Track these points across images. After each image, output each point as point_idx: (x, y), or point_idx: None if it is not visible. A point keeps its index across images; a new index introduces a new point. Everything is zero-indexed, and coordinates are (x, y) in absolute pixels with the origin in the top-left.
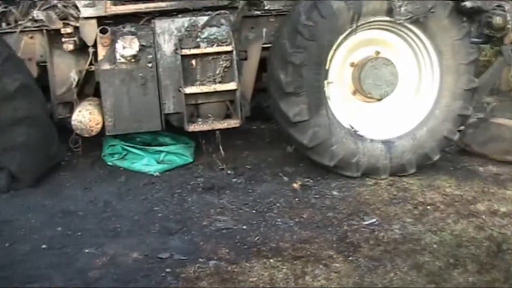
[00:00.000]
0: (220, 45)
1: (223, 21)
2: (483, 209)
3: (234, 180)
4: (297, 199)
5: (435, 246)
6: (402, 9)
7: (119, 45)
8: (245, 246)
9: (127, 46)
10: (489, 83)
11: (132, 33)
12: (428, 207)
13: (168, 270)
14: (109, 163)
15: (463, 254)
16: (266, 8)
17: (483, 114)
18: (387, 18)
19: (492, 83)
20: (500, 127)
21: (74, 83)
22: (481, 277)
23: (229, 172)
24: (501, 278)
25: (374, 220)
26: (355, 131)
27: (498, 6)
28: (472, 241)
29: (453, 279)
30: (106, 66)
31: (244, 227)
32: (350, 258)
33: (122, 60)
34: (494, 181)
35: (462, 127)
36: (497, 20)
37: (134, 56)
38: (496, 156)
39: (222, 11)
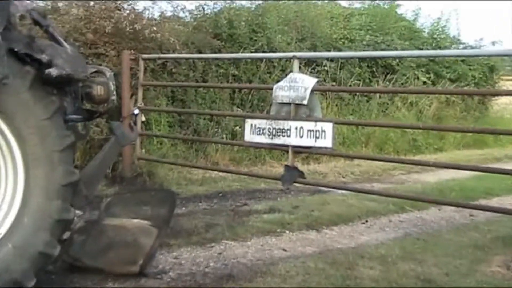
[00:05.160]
0: None
1: None
2: None
3: None
4: None
5: None
6: None
7: None
8: None
9: None
10: (101, 171)
11: None
12: None
13: None
14: None
15: None
16: None
17: (98, 213)
18: None
19: (104, 170)
20: (120, 230)
21: None
22: None
23: None
24: None
25: None
26: None
27: (97, 72)
28: None
29: None
30: None
31: None
32: None
33: None
34: None
35: (66, 236)
36: (98, 90)
37: None
38: (116, 268)
39: None
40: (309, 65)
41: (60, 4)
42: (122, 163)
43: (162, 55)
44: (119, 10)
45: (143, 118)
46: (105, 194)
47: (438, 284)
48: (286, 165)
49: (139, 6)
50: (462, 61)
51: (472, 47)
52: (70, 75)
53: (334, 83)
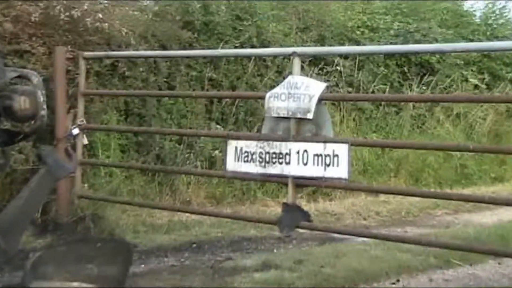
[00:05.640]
0: None
1: None
2: None
3: None
4: None
5: None
6: None
7: None
8: None
9: None
10: (27, 215)
11: None
12: None
13: None
14: None
15: None
16: None
17: (22, 274)
18: None
19: (31, 213)
20: None
21: None
22: None
23: None
24: None
25: None
26: None
27: (20, 77)
28: None
29: None
30: None
31: None
32: None
33: None
34: None
35: None
36: (22, 102)
37: None
38: None
39: None
40: (315, 64)
41: None
42: (57, 203)
43: (111, 53)
44: None
45: (86, 141)
46: (32, 248)
47: None
48: (285, 204)
49: None
50: None
51: None
52: None
53: (350, 89)
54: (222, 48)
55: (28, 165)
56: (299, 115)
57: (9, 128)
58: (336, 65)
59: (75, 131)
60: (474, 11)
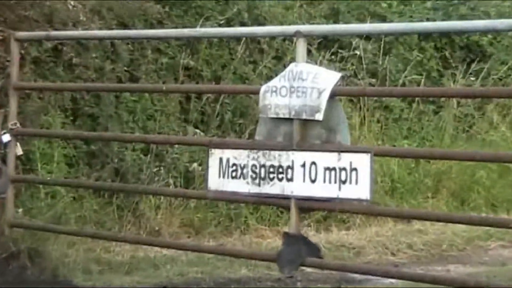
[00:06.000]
0: None
1: None
2: None
3: None
4: None
5: None
6: None
7: None
8: None
9: None
10: None
11: None
12: None
13: None
14: None
15: None
16: None
17: None
18: None
19: None
20: None
21: None
22: None
23: None
24: None
25: None
26: None
27: None
28: None
29: None
30: None
31: None
32: None
33: None
34: None
35: None
36: None
37: None
38: None
39: None
40: (327, 47)
41: None
42: None
43: (53, 33)
44: None
45: (20, 151)
46: None
47: None
48: (286, 234)
49: None
50: None
51: None
52: None
53: (373, 81)
54: (202, 26)
55: None
56: (305, 116)
57: None
58: (354, 48)
59: (6, 137)
60: None
